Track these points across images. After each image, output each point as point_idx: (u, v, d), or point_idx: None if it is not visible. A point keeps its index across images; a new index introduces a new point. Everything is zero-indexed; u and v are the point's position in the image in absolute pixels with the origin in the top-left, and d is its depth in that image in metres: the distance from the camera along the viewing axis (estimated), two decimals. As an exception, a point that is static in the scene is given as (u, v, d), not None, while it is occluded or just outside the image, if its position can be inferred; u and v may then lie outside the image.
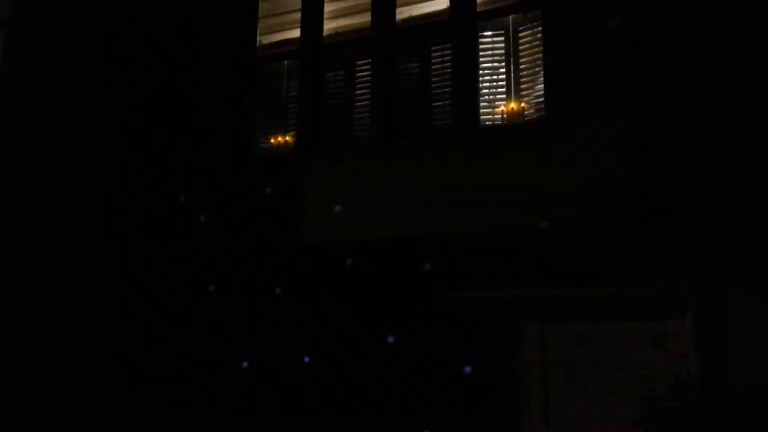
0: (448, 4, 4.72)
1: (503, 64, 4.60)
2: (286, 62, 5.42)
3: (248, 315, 4.78)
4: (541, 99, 4.33)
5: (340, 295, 4.64)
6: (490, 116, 4.56)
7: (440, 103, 4.73)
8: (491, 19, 4.65)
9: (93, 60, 5.21)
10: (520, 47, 4.57)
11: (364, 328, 4.55)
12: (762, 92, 3.70)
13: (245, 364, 4.64)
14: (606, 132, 3.95)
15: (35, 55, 5.22)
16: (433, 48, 4.82)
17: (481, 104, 4.55)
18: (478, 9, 4.63)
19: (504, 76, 4.58)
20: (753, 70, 3.74)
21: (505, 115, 4.49)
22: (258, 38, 5.44)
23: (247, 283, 4.81)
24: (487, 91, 4.59)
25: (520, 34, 4.58)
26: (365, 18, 5.02)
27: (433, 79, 4.79)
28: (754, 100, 3.71)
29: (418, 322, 4.45)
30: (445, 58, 4.74)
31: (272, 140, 5.31)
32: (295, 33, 5.30)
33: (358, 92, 5.05)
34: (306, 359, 4.53)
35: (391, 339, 4.37)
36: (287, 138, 5.23)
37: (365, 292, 4.60)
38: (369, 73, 4.97)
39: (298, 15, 5.30)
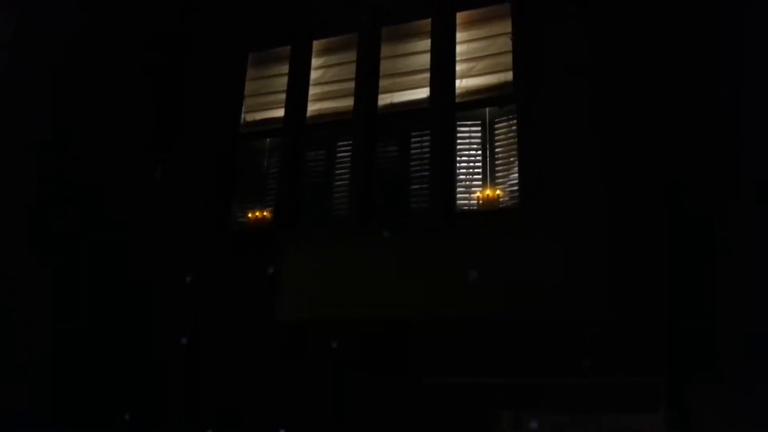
0: (429, 93, 4.95)
1: (480, 152, 4.79)
2: (268, 140, 5.54)
3: (219, 393, 4.61)
4: (516, 187, 4.49)
5: (312, 376, 4.53)
6: (466, 201, 4.68)
7: (418, 186, 4.85)
8: (468, 110, 4.88)
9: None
10: (496, 137, 4.78)
11: (334, 408, 4.42)
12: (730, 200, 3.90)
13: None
14: (579, 223, 4.10)
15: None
16: (412, 133, 5.00)
17: (458, 189, 4.69)
18: (457, 100, 4.87)
19: (480, 164, 4.75)
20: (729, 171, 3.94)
21: (480, 201, 4.62)
22: (242, 115, 5.58)
23: (218, 360, 4.67)
24: (463, 177, 4.75)
25: (496, 125, 4.81)
26: (348, 102, 5.22)
27: (412, 163, 4.94)
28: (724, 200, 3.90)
29: (389, 408, 4.36)
30: (424, 144, 4.91)
31: (250, 215, 5.33)
32: (279, 113, 5.46)
33: (337, 172, 5.17)
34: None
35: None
36: (265, 213, 5.26)
37: (338, 373, 4.51)
38: (349, 154, 5.11)
39: (283, 96, 5.48)
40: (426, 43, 5.13)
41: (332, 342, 4.45)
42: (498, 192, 4.60)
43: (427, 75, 5.02)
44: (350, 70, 5.33)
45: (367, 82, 5.18)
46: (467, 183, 4.73)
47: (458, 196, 4.67)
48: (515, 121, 4.65)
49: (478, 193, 4.66)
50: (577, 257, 4.02)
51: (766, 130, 3.85)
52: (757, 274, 3.63)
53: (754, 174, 3.82)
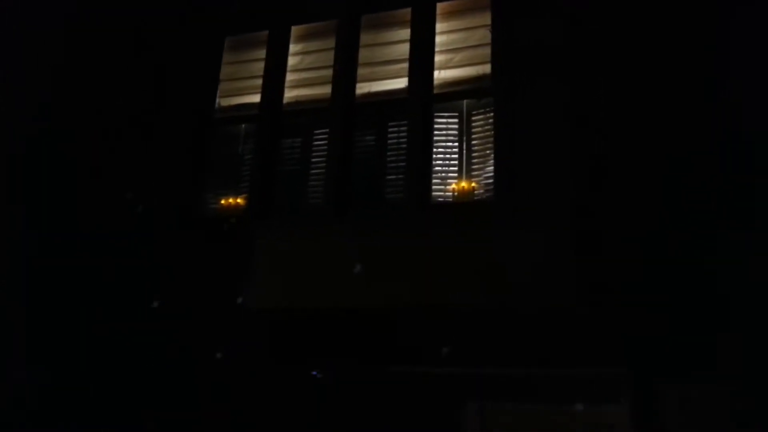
0: (407, 83, 4.93)
1: (456, 144, 4.79)
2: (243, 125, 5.46)
3: (188, 382, 4.57)
4: (491, 180, 4.50)
5: (282, 364, 4.52)
6: (441, 193, 4.69)
7: (394, 176, 4.84)
8: (446, 101, 4.86)
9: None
10: (473, 130, 4.78)
11: (303, 395, 4.43)
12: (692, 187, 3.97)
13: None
14: (552, 217, 4.13)
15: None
16: (390, 123, 4.98)
17: (434, 181, 4.68)
18: (435, 91, 4.85)
19: (457, 156, 4.75)
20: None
21: (456, 193, 4.63)
22: (217, 100, 5.49)
23: (189, 346, 4.63)
24: (440, 168, 4.74)
25: (473, 118, 4.81)
26: (326, 90, 5.16)
27: (389, 154, 4.91)
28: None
29: (358, 396, 4.37)
30: (401, 134, 4.89)
31: (223, 201, 5.26)
32: (255, 98, 5.38)
33: (313, 160, 5.12)
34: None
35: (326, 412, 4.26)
36: (239, 200, 5.20)
37: (308, 360, 4.50)
38: (326, 142, 5.07)
39: (260, 81, 5.41)
40: (405, 33, 5.09)
41: (303, 330, 4.44)
42: (473, 184, 4.62)
43: (406, 65, 4.99)
44: (328, 57, 5.27)
45: (346, 70, 5.13)
46: (443, 175, 4.73)
47: (434, 187, 4.66)
48: (492, 114, 4.65)
49: (453, 185, 4.67)
50: (550, 250, 4.05)
51: (735, 120, 3.92)
52: (724, 269, 3.71)
53: (728, 162, 3.89)
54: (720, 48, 4.11)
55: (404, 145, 4.82)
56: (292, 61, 5.42)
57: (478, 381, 4.35)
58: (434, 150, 4.76)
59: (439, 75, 4.90)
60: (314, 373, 4.25)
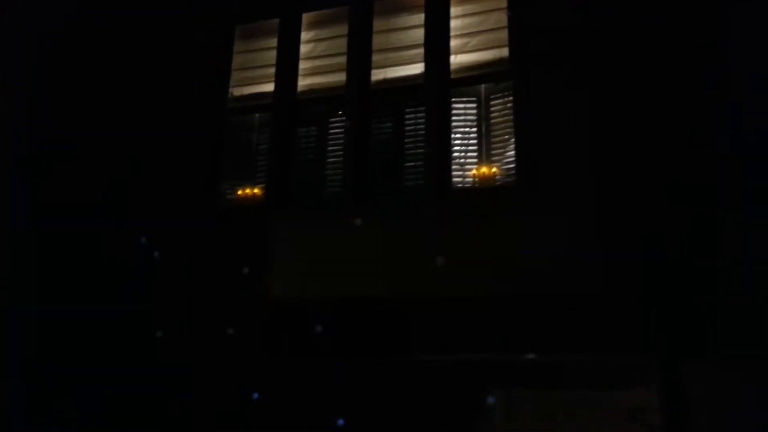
0: (423, 69, 4.85)
1: (475, 129, 4.72)
2: (257, 115, 5.40)
3: (205, 375, 4.54)
4: (512, 165, 4.44)
5: (301, 357, 4.48)
6: (461, 179, 4.63)
7: (412, 163, 4.78)
8: (464, 86, 4.80)
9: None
10: (492, 114, 4.71)
11: (323, 390, 4.39)
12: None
13: None
14: (575, 200, 4.08)
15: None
16: (407, 110, 4.91)
17: (453, 167, 4.63)
18: (452, 76, 4.78)
19: (476, 141, 4.69)
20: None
21: (476, 179, 4.57)
22: (230, 90, 5.42)
23: (206, 340, 4.59)
24: (458, 154, 4.68)
25: (492, 102, 4.74)
26: (340, 77, 5.09)
27: (406, 140, 4.85)
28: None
29: (382, 387, 4.33)
30: (419, 120, 4.83)
31: (240, 192, 5.21)
32: (269, 87, 5.32)
33: (330, 149, 5.06)
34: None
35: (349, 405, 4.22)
36: (255, 191, 5.15)
37: (327, 352, 4.47)
38: (342, 130, 5.01)
39: (272, 70, 5.34)
40: (420, 18, 5.01)
41: (323, 321, 4.40)
42: (494, 169, 4.56)
43: (421, 50, 4.92)
44: (342, 44, 5.20)
45: (360, 56, 5.06)
46: (463, 161, 4.67)
47: (454, 173, 4.61)
48: (511, 98, 4.58)
49: (474, 171, 4.61)
50: (573, 234, 4.01)
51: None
52: (753, 252, 3.66)
53: (750, 157, 3.83)
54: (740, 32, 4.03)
55: (422, 132, 4.76)
56: (304, 48, 5.34)
57: (503, 368, 4.31)
58: (453, 135, 4.69)
59: (456, 60, 4.83)
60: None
